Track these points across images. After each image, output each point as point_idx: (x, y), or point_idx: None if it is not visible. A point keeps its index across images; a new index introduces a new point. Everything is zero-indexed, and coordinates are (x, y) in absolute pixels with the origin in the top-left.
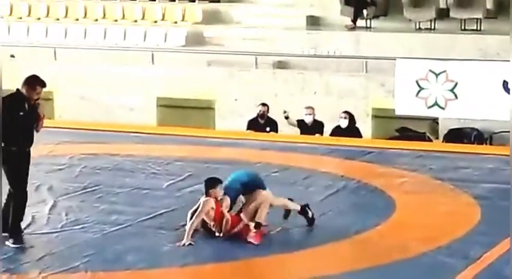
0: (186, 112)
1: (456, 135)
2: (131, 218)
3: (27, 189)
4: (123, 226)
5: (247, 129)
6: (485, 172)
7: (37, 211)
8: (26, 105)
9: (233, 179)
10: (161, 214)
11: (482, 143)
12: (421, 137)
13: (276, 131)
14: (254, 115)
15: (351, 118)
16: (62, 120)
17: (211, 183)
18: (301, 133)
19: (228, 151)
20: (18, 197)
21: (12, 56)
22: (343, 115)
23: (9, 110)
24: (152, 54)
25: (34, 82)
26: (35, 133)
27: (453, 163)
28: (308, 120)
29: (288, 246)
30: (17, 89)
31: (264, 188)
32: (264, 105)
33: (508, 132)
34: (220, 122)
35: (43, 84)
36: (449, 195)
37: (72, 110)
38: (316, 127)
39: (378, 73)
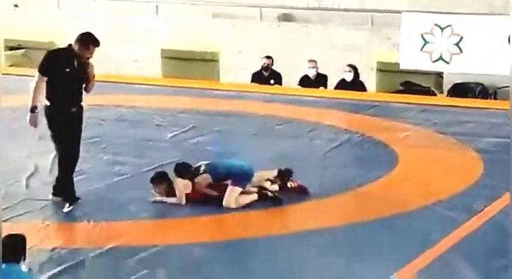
0: (190, 64)
1: (460, 89)
2: (134, 169)
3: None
4: (126, 176)
5: (252, 81)
6: (488, 126)
7: (40, 160)
8: (76, 63)
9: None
10: (164, 165)
11: (486, 98)
12: (426, 91)
13: (280, 84)
14: (258, 67)
15: (355, 71)
16: None
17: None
18: (305, 87)
19: (232, 104)
20: (61, 161)
21: (16, 6)
22: (348, 68)
23: (55, 64)
24: (157, 6)
25: (88, 40)
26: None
27: (457, 117)
28: (311, 73)
29: (291, 199)
30: (69, 44)
31: (242, 185)
32: (268, 57)
33: None
34: (224, 74)
35: (97, 43)
36: (453, 149)
37: None
38: (319, 81)
39: (383, 26)
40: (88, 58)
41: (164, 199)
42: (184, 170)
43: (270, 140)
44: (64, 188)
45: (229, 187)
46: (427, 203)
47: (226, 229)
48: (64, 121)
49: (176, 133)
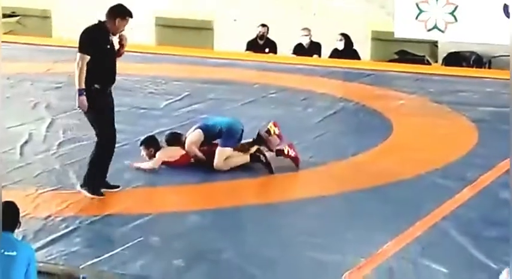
0: (184, 32)
1: (455, 58)
2: (128, 137)
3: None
4: (121, 144)
5: (246, 49)
6: (483, 95)
7: (34, 128)
8: (111, 38)
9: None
10: (158, 133)
11: (481, 67)
12: (420, 60)
13: (275, 52)
14: (253, 36)
15: (348, 40)
16: (60, 38)
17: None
18: (298, 56)
19: (226, 72)
20: (101, 144)
21: None
22: (339, 37)
23: (95, 42)
24: None
25: (123, 12)
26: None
27: (452, 86)
28: (305, 41)
29: (284, 167)
30: (100, 21)
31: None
32: (263, 26)
33: (507, 56)
34: (219, 43)
35: (130, 14)
36: (447, 118)
37: (71, 29)
38: (313, 49)
39: None
40: (121, 32)
41: (139, 164)
42: (175, 139)
43: (264, 108)
44: (96, 178)
45: (218, 149)
46: (421, 172)
47: (219, 196)
48: (106, 101)
49: (170, 101)
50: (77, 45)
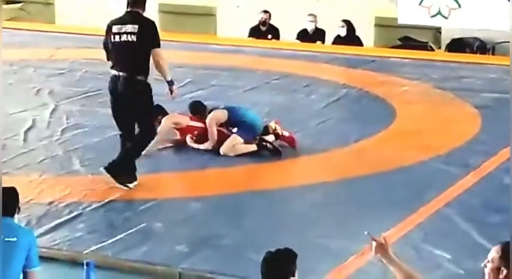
0: (187, 19)
1: (459, 45)
2: None
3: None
4: None
5: (249, 36)
6: (487, 81)
7: (38, 114)
8: None
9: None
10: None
11: (484, 53)
12: (424, 46)
13: (278, 38)
14: (256, 22)
15: (350, 26)
16: (62, 24)
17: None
18: (302, 42)
19: (229, 58)
20: (145, 135)
21: None
22: (341, 23)
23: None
24: None
25: None
26: (34, 38)
27: (455, 72)
28: (310, 27)
29: (287, 153)
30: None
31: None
32: (266, 12)
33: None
34: (221, 29)
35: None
36: (451, 104)
37: (73, 15)
38: (317, 35)
39: None
40: None
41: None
42: (198, 108)
43: (267, 94)
44: (126, 166)
45: (232, 135)
46: (424, 158)
47: (223, 182)
48: (149, 91)
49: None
50: (78, 31)
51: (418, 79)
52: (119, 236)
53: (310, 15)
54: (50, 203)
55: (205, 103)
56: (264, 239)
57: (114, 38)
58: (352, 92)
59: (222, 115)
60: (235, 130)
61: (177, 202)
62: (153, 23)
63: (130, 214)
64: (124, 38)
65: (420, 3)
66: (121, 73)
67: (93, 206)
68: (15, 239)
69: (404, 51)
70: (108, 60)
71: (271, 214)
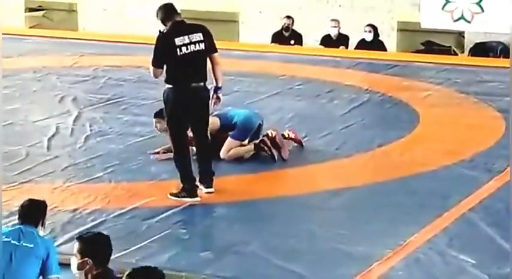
0: (210, 25)
1: (482, 49)
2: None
3: None
4: (147, 137)
5: (272, 41)
6: (510, 85)
7: (61, 122)
8: None
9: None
10: None
11: (507, 57)
12: (447, 50)
13: (301, 44)
14: (279, 28)
15: (375, 31)
16: (85, 31)
17: None
18: (326, 47)
19: (252, 64)
20: (207, 140)
21: None
22: (368, 28)
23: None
24: None
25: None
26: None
27: (478, 76)
28: (333, 32)
29: (311, 159)
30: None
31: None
32: (288, 17)
33: None
34: (244, 35)
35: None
36: (474, 108)
37: (96, 22)
38: (341, 40)
39: None
40: None
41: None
42: None
43: (290, 100)
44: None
45: (228, 139)
46: (448, 162)
47: (248, 188)
48: None
49: None
50: (100, 38)
51: (441, 84)
52: (143, 243)
53: (333, 20)
54: (74, 210)
55: (228, 109)
56: (288, 245)
57: (181, 51)
58: (376, 97)
59: (215, 122)
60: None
61: (200, 208)
62: (207, 28)
63: (154, 221)
64: (193, 47)
65: (443, 8)
66: (201, 84)
67: (116, 213)
68: (31, 245)
69: (428, 55)
70: (155, 76)
71: (295, 220)
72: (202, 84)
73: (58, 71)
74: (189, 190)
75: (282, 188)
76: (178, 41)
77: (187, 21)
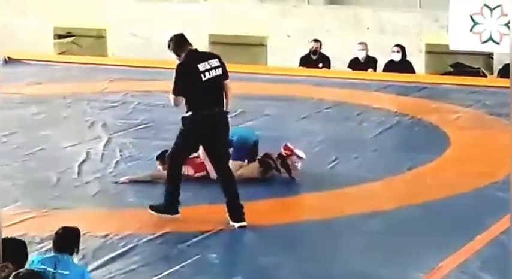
0: (238, 49)
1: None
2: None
3: None
4: None
5: (300, 65)
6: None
7: (91, 147)
8: None
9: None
10: None
11: None
12: (476, 72)
13: (329, 67)
14: (306, 51)
15: (403, 51)
16: (114, 57)
17: None
18: (354, 70)
19: (280, 88)
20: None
21: None
22: (396, 48)
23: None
24: None
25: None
26: (87, 71)
27: (508, 98)
28: (361, 55)
29: (340, 182)
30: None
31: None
32: (316, 41)
33: None
34: (272, 58)
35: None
36: (505, 130)
37: (125, 47)
38: (369, 63)
39: (432, 8)
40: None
41: (129, 178)
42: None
43: (319, 123)
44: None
45: (229, 163)
46: (480, 185)
47: (277, 213)
48: None
49: None
50: (129, 64)
51: (471, 106)
52: (174, 268)
53: (360, 43)
54: (105, 236)
55: (258, 133)
56: (320, 270)
57: (204, 76)
58: (405, 120)
59: None
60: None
61: (231, 233)
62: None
63: (185, 246)
64: (214, 73)
65: (471, 30)
66: (217, 110)
67: (147, 238)
68: (67, 272)
69: (457, 77)
70: (176, 105)
71: (327, 243)
72: (222, 108)
73: (88, 97)
74: (172, 204)
75: (312, 212)
76: (201, 67)
77: (216, 46)
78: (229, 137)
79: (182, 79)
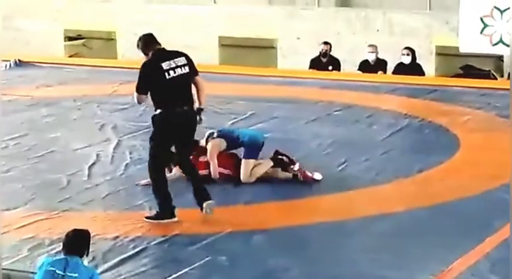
0: (248, 52)
1: None
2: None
3: None
4: None
5: (310, 67)
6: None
7: (101, 149)
8: None
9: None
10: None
11: None
12: (486, 75)
13: (339, 69)
14: (316, 53)
15: (413, 54)
16: (124, 59)
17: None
18: (364, 72)
19: (290, 90)
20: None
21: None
22: (405, 51)
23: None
24: None
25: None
26: (97, 73)
27: None
28: (371, 58)
29: (350, 185)
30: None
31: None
32: (326, 43)
33: None
34: (282, 61)
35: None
36: (510, 132)
37: (135, 50)
38: (379, 65)
39: (442, 10)
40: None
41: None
42: None
43: (328, 126)
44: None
45: (243, 161)
46: (490, 187)
47: (287, 215)
48: None
49: (235, 120)
50: (139, 66)
51: (481, 108)
52: (183, 270)
53: (370, 46)
54: (115, 238)
55: (268, 135)
56: (329, 272)
57: (169, 74)
58: (415, 122)
59: (220, 143)
60: (235, 151)
61: (240, 235)
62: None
63: (195, 248)
64: (179, 71)
65: (481, 32)
66: (186, 107)
67: (157, 241)
68: (76, 274)
69: (467, 80)
70: (139, 103)
71: (336, 246)
72: (190, 106)
73: (98, 99)
74: (166, 210)
75: (322, 214)
76: (165, 65)
77: (226, 48)
78: (239, 138)
79: (145, 77)
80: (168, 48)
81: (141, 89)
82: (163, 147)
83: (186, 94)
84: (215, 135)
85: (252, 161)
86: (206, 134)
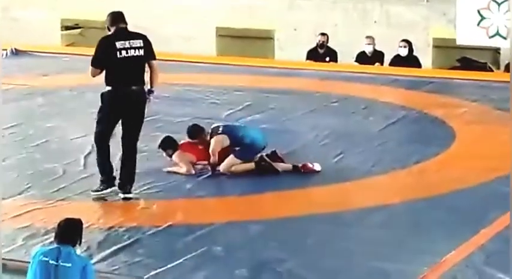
0: (245, 42)
1: None
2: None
3: None
4: None
5: (307, 58)
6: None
7: None
8: None
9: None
10: None
11: None
12: (483, 67)
13: (336, 61)
14: (314, 45)
15: (410, 46)
16: None
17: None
18: (361, 64)
19: (287, 81)
20: (136, 144)
21: None
22: (402, 44)
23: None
24: None
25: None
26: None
27: None
28: (368, 49)
29: (346, 176)
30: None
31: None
32: (323, 34)
33: None
34: (279, 52)
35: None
36: (511, 125)
37: None
38: (376, 57)
39: (439, 2)
40: None
41: (175, 169)
42: (196, 132)
43: (325, 117)
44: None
45: (231, 156)
46: (486, 179)
47: (283, 206)
48: None
49: (232, 111)
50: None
51: (477, 101)
52: (178, 261)
53: (367, 37)
54: (110, 228)
55: (264, 126)
56: (325, 263)
57: (120, 54)
58: (411, 114)
59: (223, 140)
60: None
61: (236, 225)
62: (147, 36)
63: (190, 238)
64: (132, 52)
65: (478, 24)
66: (134, 87)
67: (152, 231)
68: (69, 264)
69: (463, 72)
70: (93, 76)
71: (332, 237)
72: (140, 87)
73: (94, 89)
74: (106, 181)
75: (318, 205)
76: (119, 44)
77: (223, 39)
78: (243, 139)
79: (99, 52)
80: (166, 38)
81: (94, 62)
82: (108, 122)
83: (137, 75)
84: (220, 129)
85: (237, 161)
86: (212, 127)
